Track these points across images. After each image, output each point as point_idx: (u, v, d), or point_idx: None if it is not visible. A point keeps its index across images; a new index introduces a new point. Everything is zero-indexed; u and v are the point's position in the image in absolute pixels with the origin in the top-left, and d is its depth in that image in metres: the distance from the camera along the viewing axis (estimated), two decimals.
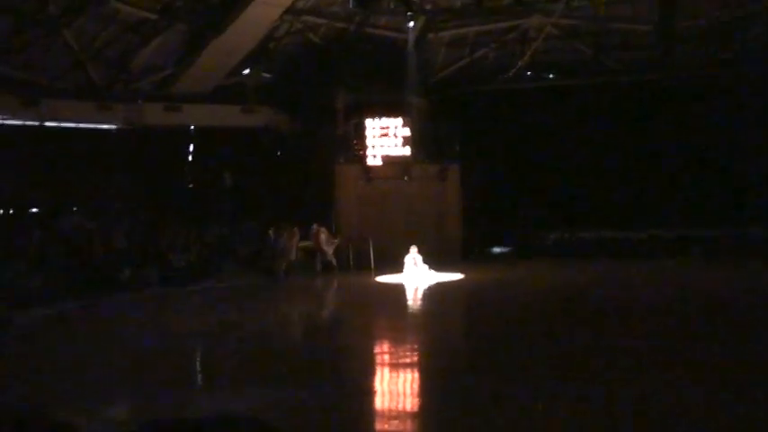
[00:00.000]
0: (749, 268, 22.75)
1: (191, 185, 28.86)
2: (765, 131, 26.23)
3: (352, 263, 25.58)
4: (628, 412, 8.16)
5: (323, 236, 24.91)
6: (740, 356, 10.92)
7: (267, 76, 28.52)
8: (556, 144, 28.27)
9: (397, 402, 9.53)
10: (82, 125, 26.19)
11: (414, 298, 20.03)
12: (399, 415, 8.76)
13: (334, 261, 25.03)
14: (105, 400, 9.26)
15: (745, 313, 15.39)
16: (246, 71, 27.98)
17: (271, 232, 24.26)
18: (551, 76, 29.12)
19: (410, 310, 18.38)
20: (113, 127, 26.64)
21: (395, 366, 11.56)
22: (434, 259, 23.75)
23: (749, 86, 26.41)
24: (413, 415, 8.80)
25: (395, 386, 10.37)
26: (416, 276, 22.71)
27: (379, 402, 9.45)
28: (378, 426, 8.44)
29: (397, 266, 23.32)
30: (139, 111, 26.52)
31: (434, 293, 20.64)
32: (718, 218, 26.21)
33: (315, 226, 24.98)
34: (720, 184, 26.94)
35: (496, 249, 28.15)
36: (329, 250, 24.99)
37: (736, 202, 26.48)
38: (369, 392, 9.80)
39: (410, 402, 9.54)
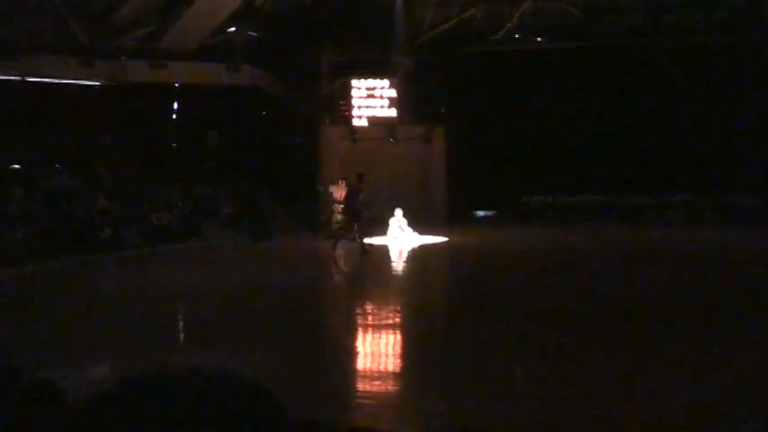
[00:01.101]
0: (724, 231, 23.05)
1: (174, 144, 28.63)
2: (752, 99, 26.27)
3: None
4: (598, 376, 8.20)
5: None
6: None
7: (253, 35, 28.18)
8: (542, 108, 28.16)
9: (378, 363, 9.54)
10: (64, 81, 25.83)
11: (397, 260, 20.03)
12: (376, 374, 8.77)
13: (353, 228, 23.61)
14: (82, 359, 9.23)
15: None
16: (232, 29, 27.64)
17: (329, 187, 21.11)
18: (539, 39, 28.89)
19: (393, 272, 18.38)
20: (96, 84, 26.29)
21: (376, 328, 11.56)
22: (419, 221, 23.74)
23: (738, 52, 26.41)
24: (392, 375, 8.82)
25: (376, 347, 10.39)
26: (401, 239, 22.71)
27: (361, 363, 9.46)
28: (353, 384, 8.44)
29: (381, 229, 23.29)
30: (123, 67, 26.18)
31: (418, 256, 20.66)
32: (699, 184, 26.34)
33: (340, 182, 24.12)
34: (705, 151, 26.99)
35: (481, 212, 28.16)
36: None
37: (719, 169, 26.56)
38: (349, 353, 9.81)
39: (391, 363, 9.56)
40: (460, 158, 27.73)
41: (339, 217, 19.67)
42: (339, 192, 19.97)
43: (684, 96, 27.15)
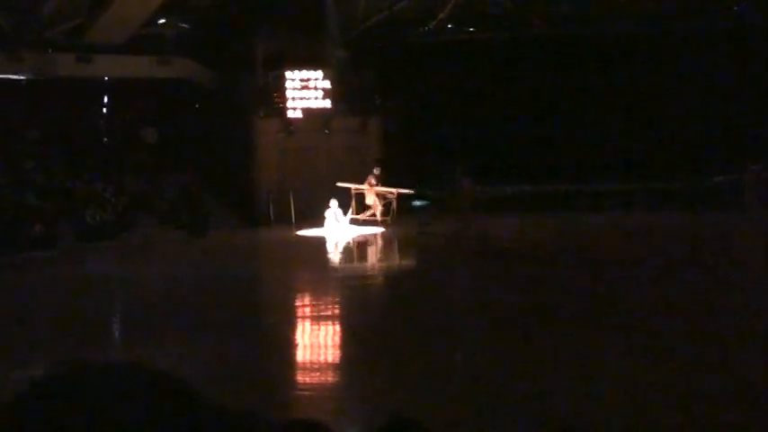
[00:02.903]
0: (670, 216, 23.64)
1: (105, 139, 28.14)
2: (682, 85, 26.97)
3: (272, 217, 25.41)
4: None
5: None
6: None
7: (184, 26, 27.81)
8: (476, 98, 28.39)
9: (317, 354, 9.59)
10: None
11: (333, 251, 20.09)
12: (309, 365, 8.82)
13: (376, 212, 24.55)
14: (22, 357, 9.07)
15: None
16: (162, 21, 27.22)
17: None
18: (471, 29, 29.10)
19: (330, 264, 18.44)
20: (23, 78, 25.66)
21: (313, 319, 11.60)
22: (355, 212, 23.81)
23: (666, 39, 27.12)
24: (326, 366, 8.87)
25: (315, 339, 10.43)
26: (337, 230, 22.75)
27: (300, 355, 9.50)
28: (284, 376, 8.47)
29: (318, 220, 23.29)
30: (51, 61, 25.57)
31: (354, 247, 20.75)
32: (630, 170, 26.89)
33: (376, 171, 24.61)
34: (635, 137, 27.58)
35: (417, 203, 28.28)
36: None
37: (648, 155, 27.14)
38: (286, 346, 9.84)
39: (328, 354, 9.62)
40: (395, 149, 27.80)
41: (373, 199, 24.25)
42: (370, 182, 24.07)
43: (614, 83, 27.65)
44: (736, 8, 26.79)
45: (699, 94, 26.89)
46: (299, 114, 26.81)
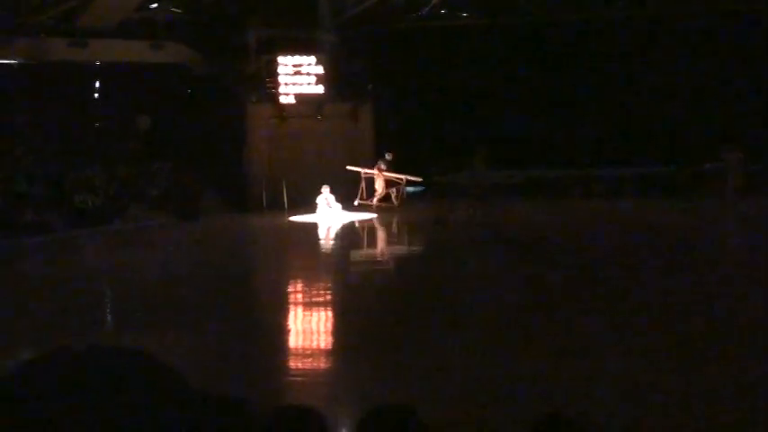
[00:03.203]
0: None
1: (97, 125, 28.01)
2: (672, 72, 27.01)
3: (264, 203, 25.39)
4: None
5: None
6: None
7: (177, 11, 27.65)
8: (469, 84, 28.36)
9: (310, 340, 9.62)
10: None
11: (326, 237, 20.11)
12: (304, 352, 8.84)
13: (392, 196, 24.82)
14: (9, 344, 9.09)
15: None
16: (155, 5, 27.06)
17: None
18: (465, 14, 29.02)
19: (322, 250, 18.46)
20: (14, 62, 25.50)
21: (307, 306, 11.61)
22: (347, 199, 23.81)
23: (656, 26, 27.19)
24: (321, 352, 8.91)
25: (308, 325, 10.46)
26: (329, 216, 22.75)
27: (293, 341, 9.52)
28: (278, 359, 8.50)
29: (311, 206, 23.29)
30: (41, 46, 25.40)
31: (346, 233, 20.77)
32: (621, 156, 26.94)
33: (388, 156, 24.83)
34: (625, 124, 27.62)
35: (409, 189, 28.30)
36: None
37: (638, 141, 27.19)
38: (279, 331, 9.85)
39: (322, 340, 9.65)
40: (388, 135, 27.79)
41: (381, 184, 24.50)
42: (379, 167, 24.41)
43: (606, 70, 27.66)
44: None
45: (690, 82, 26.94)
46: (291, 100, 26.75)
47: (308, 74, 26.80)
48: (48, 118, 25.50)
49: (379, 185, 24.82)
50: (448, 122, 28.11)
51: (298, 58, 26.69)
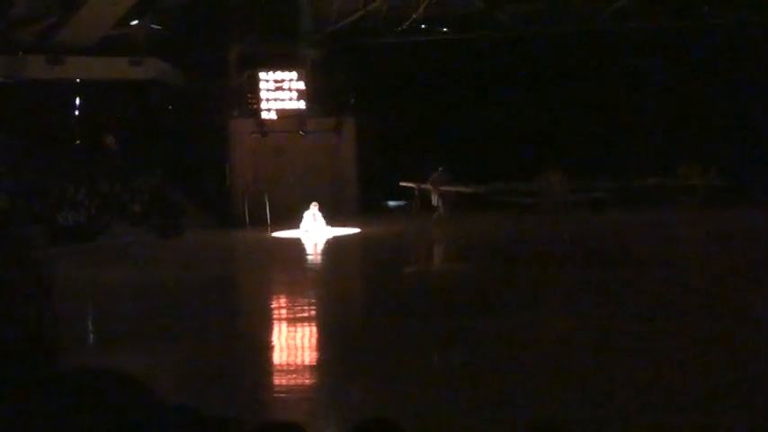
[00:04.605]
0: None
1: (78, 141, 27.88)
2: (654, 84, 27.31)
3: (247, 218, 25.29)
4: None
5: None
6: None
7: (156, 27, 27.61)
8: (450, 98, 28.46)
9: (294, 356, 9.57)
10: None
11: (311, 253, 20.05)
12: (290, 368, 8.79)
13: (439, 206, 24.17)
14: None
15: None
16: (134, 22, 26.99)
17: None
18: (445, 29, 29.13)
19: (306, 265, 18.41)
20: None
21: (290, 321, 11.55)
22: (331, 214, 23.74)
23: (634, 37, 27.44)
24: (304, 367, 8.85)
25: (292, 340, 10.40)
26: (313, 231, 22.64)
27: (276, 356, 9.46)
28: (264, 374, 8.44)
29: (293, 221, 23.18)
30: (20, 63, 25.25)
31: (331, 248, 20.71)
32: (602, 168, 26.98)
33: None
34: (606, 135, 27.74)
35: (393, 203, 28.30)
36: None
37: (619, 153, 27.31)
38: (265, 347, 9.80)
39: (305, 355, 9.59)
40: (371, 149, 27.81)
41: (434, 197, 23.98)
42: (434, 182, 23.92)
43: (586, 82, 27.82)
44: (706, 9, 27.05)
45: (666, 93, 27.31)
46: (273, 115, 26.75)
47: (290, 89, 26.82)
48: (28, 135, 25.34)
49: (435, 200, 24.14)
50: (431, 134, 28.16)
51: (279, 74, 26.71)
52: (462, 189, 24.58)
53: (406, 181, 24.94)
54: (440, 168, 24.08)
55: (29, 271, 3.84)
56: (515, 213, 23.49)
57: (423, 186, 24.44)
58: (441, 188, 23.94)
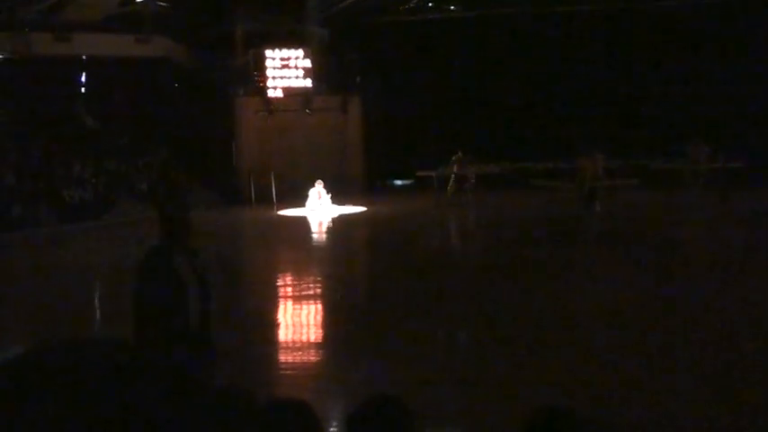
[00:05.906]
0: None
1: (84, 119, 27.86)
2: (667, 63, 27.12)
3: (253, 196, 25.33)
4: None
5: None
6: None
7: (163, 5, 27.50)
8: (456, 76, 28.34)
9: (300, 333, 9.60)
10: None
11: (317, 231, 20.07)
12: (299, 345, 8.82)
13: (466, 189, 24.09)
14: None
15: None
16: None
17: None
18: (452, 7, 28.97)
19: (312, 243, 18.42)
20: None
21: (297, 299, 11.58)
22: (337, 192, 23.74)
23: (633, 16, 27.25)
24: (314, 345, 8.89)
25: (297, 318, 10.43)
26: (319, 209, 22.67)
27: (282, 334, 9.50)
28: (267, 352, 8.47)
29: (299, 200, 23.20)
30: (26, 40, 25.20)
31: (336, 226, 20.71)
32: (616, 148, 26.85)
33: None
34: (617, 116, 27.61)
35: (398, 182, 28.30)
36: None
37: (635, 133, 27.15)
38: (272, 325, 9.83)
39: (313, 333, 9.63)
40: (377, 128, 27.77)
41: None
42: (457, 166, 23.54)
43: (595, 62, 27.65)
44: None
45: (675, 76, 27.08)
46: (279, 94, 26.70)
47: (296, 67, 26.76)
48: (34, 112, 25.35)
49: (455, 184, 23.95)
50: (437, 113, 28.05)
51: (285, 52, 26.63)
52: (492, 169, 24.49)
53: (422, 170, 24.50)
54: (458, 152, 23.59)
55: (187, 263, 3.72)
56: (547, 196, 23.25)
57: (442, 172, 23.87)
58: (464, 171, 23.61)
